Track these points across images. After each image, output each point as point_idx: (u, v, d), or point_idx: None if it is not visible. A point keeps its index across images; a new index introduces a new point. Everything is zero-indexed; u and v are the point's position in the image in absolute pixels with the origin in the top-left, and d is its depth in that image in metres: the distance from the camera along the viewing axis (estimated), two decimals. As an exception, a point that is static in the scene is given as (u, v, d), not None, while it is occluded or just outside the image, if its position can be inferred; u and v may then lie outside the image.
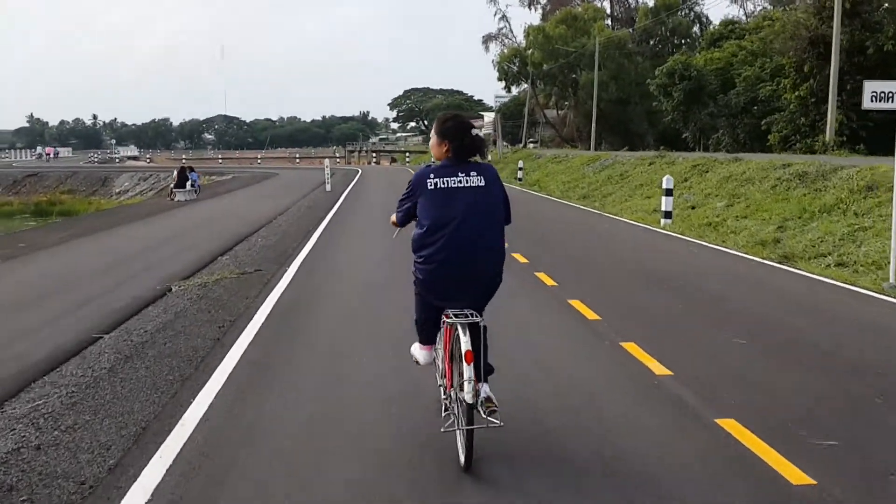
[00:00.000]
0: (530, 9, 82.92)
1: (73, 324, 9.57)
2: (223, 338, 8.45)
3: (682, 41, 75.48)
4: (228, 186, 43.94)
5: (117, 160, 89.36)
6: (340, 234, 18.71)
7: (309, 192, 34.59)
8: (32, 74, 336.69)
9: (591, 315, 9.13)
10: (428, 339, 5.52)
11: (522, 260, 13.74)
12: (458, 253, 4.93)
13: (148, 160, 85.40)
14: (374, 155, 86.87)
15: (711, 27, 61.60)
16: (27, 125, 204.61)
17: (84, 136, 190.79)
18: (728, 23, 56.56)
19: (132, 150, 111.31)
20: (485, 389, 4.93)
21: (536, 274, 12.20)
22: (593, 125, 58.15)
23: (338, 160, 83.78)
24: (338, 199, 29.94)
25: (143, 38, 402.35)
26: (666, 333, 8.39)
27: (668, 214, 19.44)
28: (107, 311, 10.26)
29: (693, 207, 21.23)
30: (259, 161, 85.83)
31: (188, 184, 33.50)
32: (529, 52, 73.52)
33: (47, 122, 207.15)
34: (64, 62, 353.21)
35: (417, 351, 5.68)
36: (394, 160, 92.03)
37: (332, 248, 16.12)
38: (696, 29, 75.95)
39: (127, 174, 65.86)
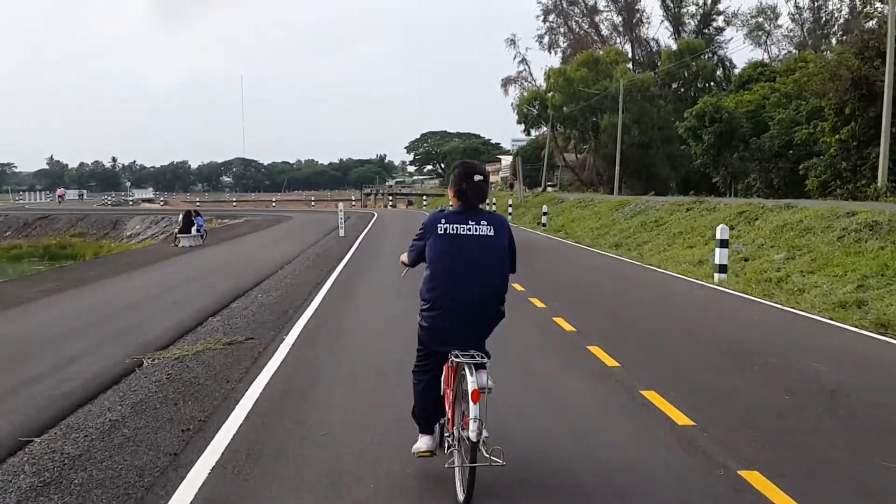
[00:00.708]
0: (550, 52, 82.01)
1: (1, 416, 7.32)
2: (183, 451, 6.16)
3: (707, 84, 73.65)
4: (238, 231, 41.87)
5: (130, 202, 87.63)
6: (351, 289, 16.46)
7: (321, 238, 32.44)
8: (53, 117, 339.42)
9: (681, 419, 6.78)
10: (428, 427, 5.52)
11: (567, 327, 11.46)
12: (462, 298, 5.15)
13: (162, 202, 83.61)
14: (390, 198, 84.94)
15: (740, 69, 59.41)
16: (47, 167, 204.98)
17: (103, 178, 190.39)
18: (757, 65, 54.67)
19: (148, 193, 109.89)
20: (487, 380, 4.98)
21: (589, 349, 9.83)
22: (617, 169, 56.01)
23: (353, 203, 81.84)
24: (351, 245, 27.77)
25: (161, 81, 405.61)
26: (791, 450, 6.05)
27: (722, 268, 17.05)
28: (53, 396, 8.03)
29: (746, 259, 18.87)
30: (274, 204, 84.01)
31: (193, 229, 31.41)
32: (550, 94, 71.83)
33: (67, 165, 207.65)
34: (84, 105, 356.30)
35: (420, 443, 5.53)
36: (410, 203, 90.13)
37: (341, 308, 13.86)
38: (719, 73, 74.24)
39: (139, 217, 63.92)
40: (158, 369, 9.03)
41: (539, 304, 13.92)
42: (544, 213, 36.36)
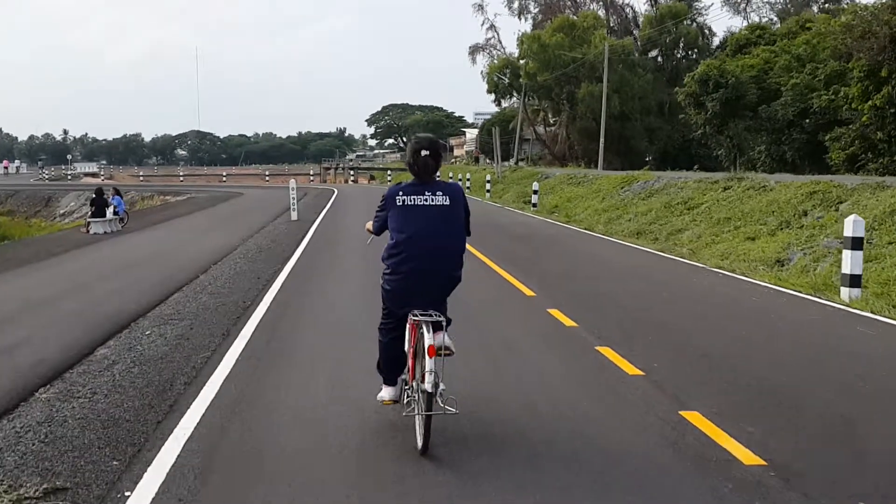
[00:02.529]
0: (520, 18, 75.12)
1: None
2: None
3: (689, 52, 67.97)
4: (175, 211, 35.30)
5: (69, 177, 79.51)
6: (298, 316, 10.40)
7: (270, 221, 26.19)
8: (2, 89, 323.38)
9: None
10: (391, 379, 5.92)
11: (654, 393, 5.38)
12: (421, 262, 5.46)
13: (102, 178, 76.00)
14: (351, 172, 78.10)
15: (737, 32, 53.54)
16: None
17: (54, 151, 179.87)
18: (755, 27, 48.84)
19: (92, 167, 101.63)
20: (445, 339, 5.36)
21: (727, 447, 3.80)
22: (601, 142, 50.21)
23: (311, 178, 74.99)
24: (304, 233, 21.57)
25: (115, 53, 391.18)
26: None
27: (855, 281, 11.17)
28: None
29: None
30: (224, 179, 76.69)
31: (109, 211, 24.98)
32: (523, 61, 65.63)
33: (16, 137, 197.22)
34: (34, 76, 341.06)
35: (384, 392, 5.93)
36: (372, 178, 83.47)
37: (282, 350, 8.07)
38: (701, 40, 68.52)
39: (74, 193, 56.72)
40: None
41: (567, 320, 9.75)
42: (534, 192, 30.29)
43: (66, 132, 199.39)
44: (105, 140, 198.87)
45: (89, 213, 25.17)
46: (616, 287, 12.46)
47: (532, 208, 29.78)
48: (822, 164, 34.96)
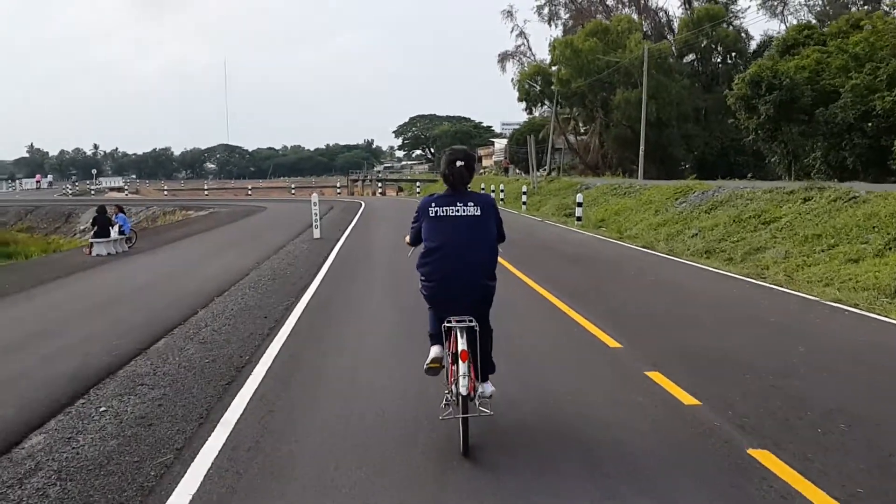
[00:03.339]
0: (550, 24, 72.14)
1: None
2: None
3: (728, 56, 64.87)
4: (191, 228, 32.85)
5: (92, 191, 77.48)
6: (312, 378, 7.68)
7: (290, 240, 23.59)
8: (33, 104, 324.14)
9: None
10: (437, 340, 5.81)
11: None
12: (453, 271, 5.54)
13: (126, 192, 73.92)
14: (379, 185, 75.50)
15: (784, 33, 50.36)
16: (27, 155, 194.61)
17: (84, 165, 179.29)
18: (803, 27, 45.64)
19: (118, 181, 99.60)
20: (486, 388, 5.73)
21: None
22: (641, 150, 47.13)
23: (338, 191, 72.48)
24: (327, 255, 18.91)
25: (144, 67, 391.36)
26: None
27: None
28: None
29: None
30: (250, 192, 74.38)
31: (114, 231, 22.50)
32: (555, 68, 62.83)
33: (47, 153, 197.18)
34: (65, 92, 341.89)
35: (432, 351, 5.88)
36: (400, 189, 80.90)
37: (277, 462, 5.21)
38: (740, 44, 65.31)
39: (94, 209, 54.79)
40: None
41: (681, 393, 6.89)
42: (578, 204, 27.40)
43: (96, 147, 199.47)
44: (135, 154, 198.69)
45: (91, 233, 22.66)
46: (724, 333, 9.51)
47: (576, 222, 26.93)
48: (887, 171, 31.90)
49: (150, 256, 21.57)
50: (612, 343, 8.74)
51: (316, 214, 23.93)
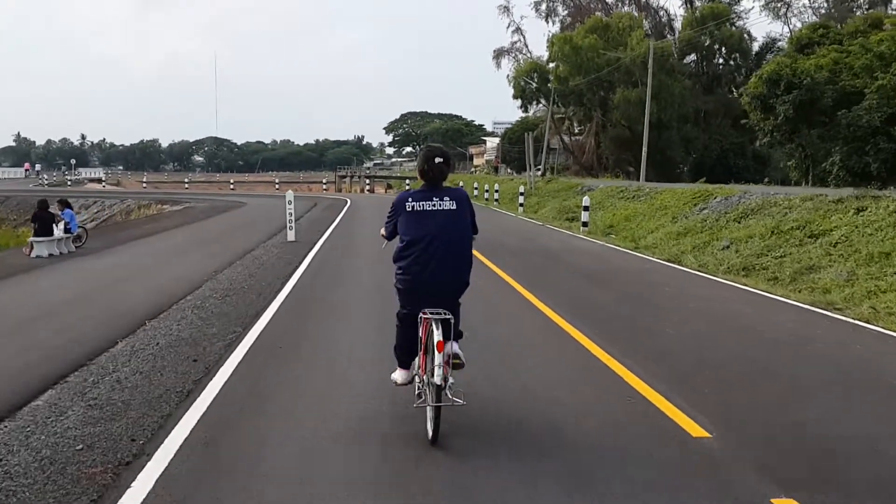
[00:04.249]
0: (547, 21, 68.97)
1: None
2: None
3: (731, 57, 62.10)
4: (159, 225, 29.75)
5: (69, 182, 73.72)
6: (244, 472, 4.72)
7: (263, 241, 20.64)
8: (20, 94, 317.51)
9: None
10: (404, 363, 6.02)
11: None
12: (430, 264, 5.56)
13: (103, 184, 70.47)
14: (367, 181, 72.23)
15: (797, 31, 47.58)
16: (13, 144, 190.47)
17: (71, 155, 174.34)
18: (818, 26, 42.82)
19: (97, 172, 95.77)
20: (454, 347, 5.58)
21: None
22: (644, 151, 44.41)
23: (324, 187, 69.30)
24: (300, 262, 15.95)
25: (134, 59, 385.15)
26: None
27: None
28: None
29: None
30: (232, 187, 71.00)
31: (58, 229, 19.45)
32: (552, 65, 59.92)
33: (34, 142, 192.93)
34: (54, 81, 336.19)
35: (397, 374, 6.09)
36: (389, 187, 77.72)
37: None
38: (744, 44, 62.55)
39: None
40: None
41: None
42: (585, 208, 24.42)
43: (83, 137, 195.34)
44: (122, 145, 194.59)
45: (32, 231, 19.55)
46: (847, 407, 6.60)
47: (582, 228, 24.01)
48: (915, 179, 29.16)
49: (99, 259, 18.53)
50: (694, 429, 5.77)
51: (291, 214, 20.90)
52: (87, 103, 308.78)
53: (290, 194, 21.47)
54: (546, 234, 23.44)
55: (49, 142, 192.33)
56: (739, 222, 18.70)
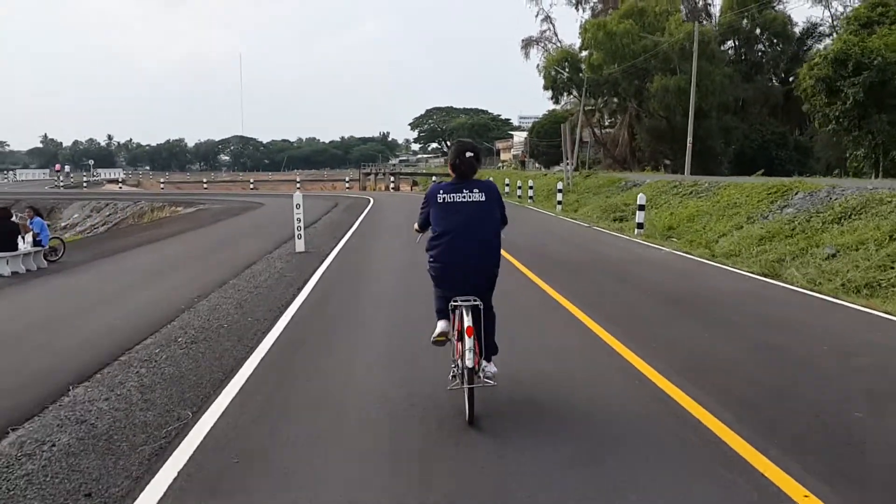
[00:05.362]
0: (578, 9, 64.93)
1: None
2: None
3: (774, 42, 58.17)
4: (163, 230, 26.61)
5: (85, 184, 70.93)
6: None
7: (268, 252, 17.43)
8: (48, 95, 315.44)
9: None
10: (444, 315, 6.03)
11: None
12: (461, 253, 5.73)
13: (120, 185, 67.63)
14: (392, 179, 68.84)
15: (854, 8, 43.62)
16: (41, 146, 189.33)
17: (98, 156, 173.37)
18: (876, 3, 38.93)
19: (117, 173, 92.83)
20: (489, 368, 5.90)
21: None
22: (689, 141, 40.68)
23: (347, 185, 66.06)
24: (304, 284, 12.70)
25: (160, 58, 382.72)
26: None
27: None
28: None
29: None
30: (252, 186, 67.84)
31: (24, 242, 16.35)
32: (586, 53, 56.23)
33: (61, 143, 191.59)
34: (80, 83, 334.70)
35: (438, 326, 6.06)
36: (415, 184, 74.39)
37: None
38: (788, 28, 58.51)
39: (79, 203, 48.73)
40: None
41: None
42: (640, 207, 20.90)
43: (110, 137, 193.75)
44: (149, 145, 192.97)
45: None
46: None
47: (636, 230, 20.56)
48: None
49: (69, 278, 15.37)
50: None
51: (299, 220, 17.61)
52: (113, 104, 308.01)
53: (297, 196, 18.14)
54: (598, 239, 19.96)
55: (76, 143, 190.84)
56: (840, 224, 15.15)
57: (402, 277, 13.36)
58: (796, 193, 18.53)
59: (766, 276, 13.12)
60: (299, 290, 12.11)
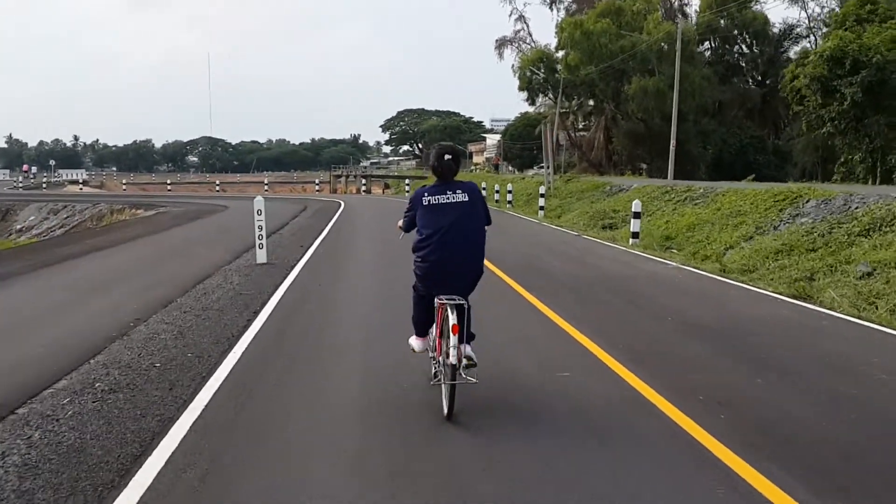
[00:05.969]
0: (552, 8, 63.28)
1: None
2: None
3: (752, 43, 56.99)
4: (117, 235, 24.25)
5: (44, 185, 67.81)
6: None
7: (225, 264, 15.38)
8: (12, 95, 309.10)
9: None
10: (422, 332, 6.36)
11: None
12: (447, 253, 5.81)
13: (81, 187, 64.89)
14: (363, 181, 66.61)
15: (842, 6, 42.35)
16: (5, 146, 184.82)
17: (63, 157, 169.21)
18: (866, 1, 37.67)
19: (79, 174, 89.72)
20: (467, 349, 5.90)
21: None
22: (672, 144, 39.32)
23: (317, 187, 63.84)
24: (262, 307, 10.71)
25: (127, 59, 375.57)
26: None
27: None
28: None
29: None
30: (218, 188, 65.37)
31: (-59, 251, 14.27)
32: (562, 52, 54.61)
33: (26, 143, 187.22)
34: (46, 82, 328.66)
35: (413, 341, 6.43)
36: (387, 186, 72.31)
37: None
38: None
39: (35, 205, 46.15)
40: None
41: None
42: (636, 215, 19.16)
43: (76, 138, 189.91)
44: (115, 146, 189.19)
45: None
46: None
47: (631, 240, 18.79)
48: None
49: (-7, 295, 13.25)
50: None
51: (261, 227, 15.57)
52: (79, 104, 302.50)
53: (258, 201, 16.09)
54: (592, 251, 18.09)
55: (41, 143, 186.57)
56: (869, 236, 13.46)
57: (378, 299, 11.42)
58: (807, 201, 16.84)
59: (796, 297, 11.34)
60: (255, 313, 10.12)
